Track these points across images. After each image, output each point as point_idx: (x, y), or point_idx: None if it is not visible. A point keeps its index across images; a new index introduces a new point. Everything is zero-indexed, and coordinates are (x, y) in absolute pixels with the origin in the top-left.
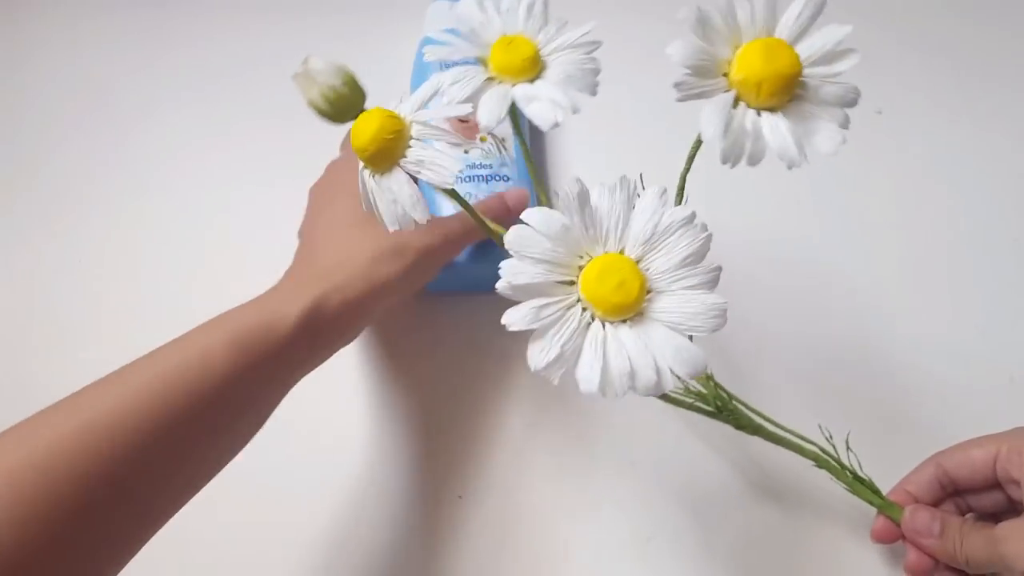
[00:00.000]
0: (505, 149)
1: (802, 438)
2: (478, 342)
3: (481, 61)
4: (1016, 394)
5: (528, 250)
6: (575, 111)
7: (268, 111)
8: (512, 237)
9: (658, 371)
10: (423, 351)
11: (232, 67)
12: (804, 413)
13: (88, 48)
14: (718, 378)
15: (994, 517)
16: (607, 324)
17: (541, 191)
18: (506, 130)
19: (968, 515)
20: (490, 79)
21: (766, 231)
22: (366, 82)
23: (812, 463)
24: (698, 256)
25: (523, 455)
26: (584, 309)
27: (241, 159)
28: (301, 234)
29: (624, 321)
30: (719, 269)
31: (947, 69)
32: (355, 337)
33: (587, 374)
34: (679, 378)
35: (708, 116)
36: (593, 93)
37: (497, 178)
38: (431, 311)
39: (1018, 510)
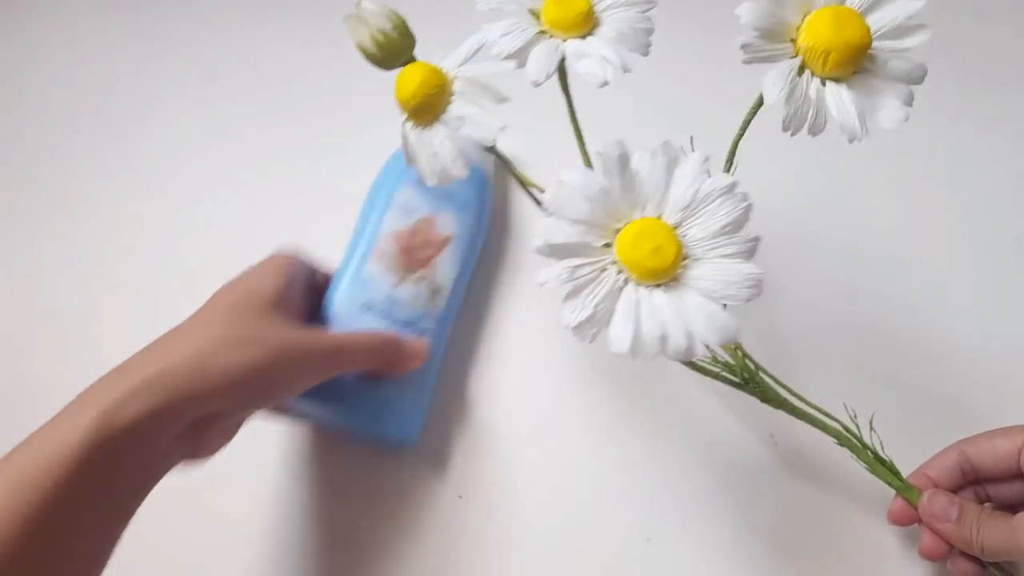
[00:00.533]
0: (435, 300)
1: (827, 415)
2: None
3: (533, 14)
4: (1016, 393)
5: (566, 210)
6: (626, 71)
7: (268, 111)
8: (551, 197)
9: (689, 337)
10: None
11: (232, 67)
12: (831, 392)
13: (88, 48)
14: (747, 350)
15: (1012, 508)
16: (641, 288)
17: (583, 151)
18: (445, 285)
19: (987, 504)
20: (541, 33)
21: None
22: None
23: (834, 441)
24: (737, 225)
25: (523, 455)
26: (619, 272)
27: (241, 159)
28: None
29: (658, 286)
30: (757, 239)
31: (947, 69)
32: (224, 440)
33: (619, 335)
34: (708, 347)
35: (773, 80)
36: (645, 53)
37: (414, 327)
38: None
39: None
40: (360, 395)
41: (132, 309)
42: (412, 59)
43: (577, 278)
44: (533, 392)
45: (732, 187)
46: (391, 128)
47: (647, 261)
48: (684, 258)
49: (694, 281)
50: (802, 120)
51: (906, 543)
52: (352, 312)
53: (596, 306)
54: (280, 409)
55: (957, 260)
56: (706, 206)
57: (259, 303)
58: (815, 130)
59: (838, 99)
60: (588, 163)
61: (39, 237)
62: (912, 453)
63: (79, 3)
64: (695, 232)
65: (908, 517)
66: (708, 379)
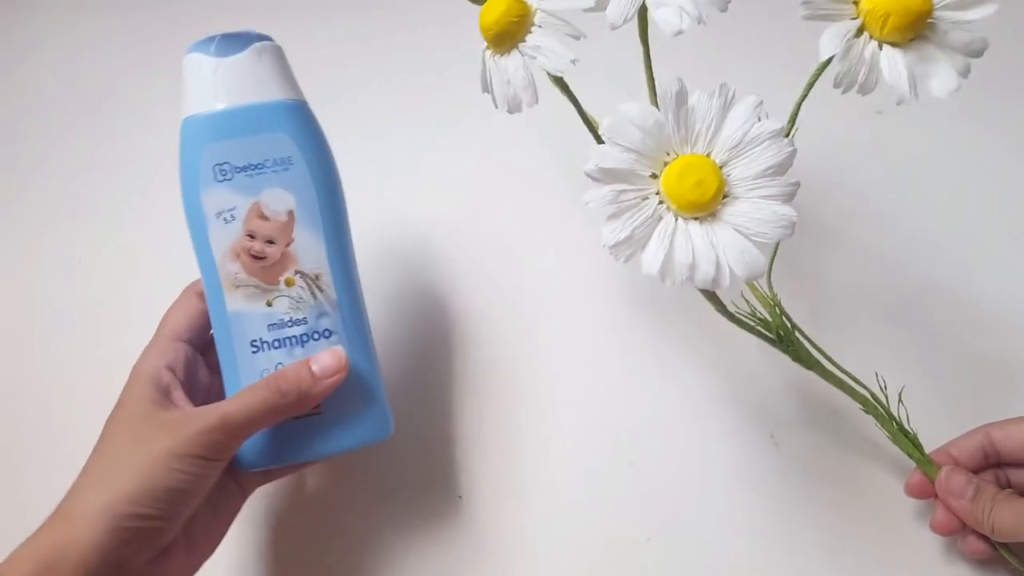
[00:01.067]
0: (321, 291)
1: (857, 381)
2: None
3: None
4: (1016, 393)
5: (620, 137)
6: (701, 22)
7: None
8: (608, 123)
9: (718, 267)
10: None
11: None
12: (865, 361)
13: (88, 48)
14: (788, 309)
15: None
16: (680, 219)
17: (653, 98)
18: (321, 265)
19: (1007, 489)
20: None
21: None
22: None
23: (861, 407)
24: (780, 168)
25: (523, 455)
26: (660, 202)
27: None
28: None
29: (696, 219)
30: (797, 184)
31: None
32: (218, 533)
33: (651, 259)
34: (748, 302)
35: (829, 37)
36: (723, 9)
37: (316, 336)
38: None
39: None
40: (313, 423)
41: (132, 309)
42: None
43: (621, 201)
44: (533, 392)
45: (780, 132)
46: None
47: (689, 194)
48: (725, 196)
49: (730, 217)
50: (853, 79)
51: (919, 515)
52: (247, 361)
53: (634, 229)
54: (257, 479)
55: (959, 259)
56: (754, 147)
57: (143, 413)
58: (865, 89)
59: (892, 61)
60: (652, 98)
61: (39, 237)
62: (936, 433)
63: (79, 3)
64: (739, 172)
65: (925, 491)
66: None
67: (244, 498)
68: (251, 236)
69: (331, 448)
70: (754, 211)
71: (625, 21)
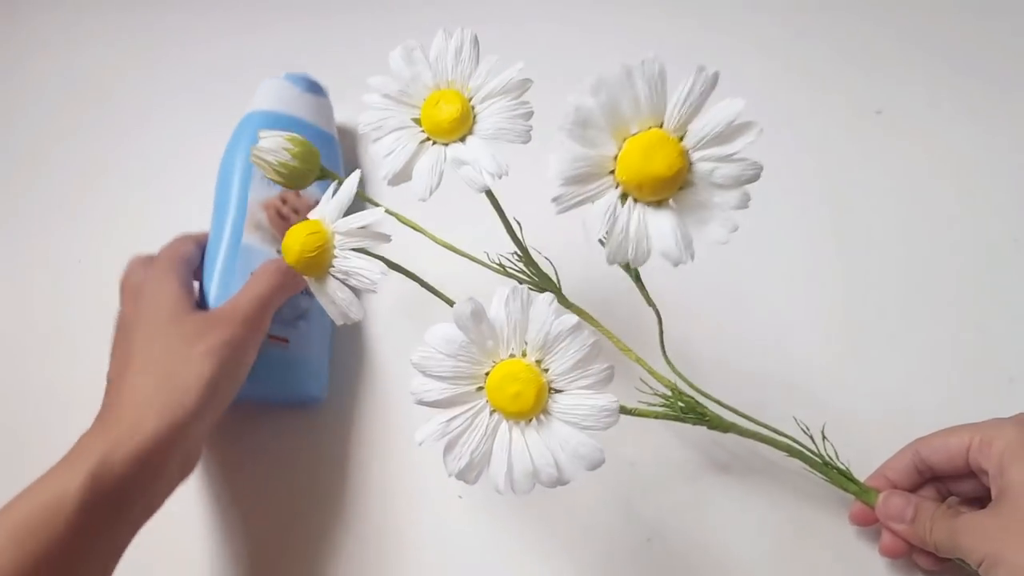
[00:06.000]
0: None
1: (780, 433)
2: None
3: (416, 122)
4: (1016, 394)
5: (433, 370)
6: (502, 176)
7: None
8: (418, 358)
9: (559, 467)
10: None
11: (232, 67)
12: (782, 408)
13: (88, 48)
14: (698, 375)
15: (978, 501)
16: (514, 426)
17: (512, 236)
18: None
19: (950, 498)
20: (424, 141)
21: (767, 226)
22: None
23: (786, 454)
24: (588, 360)
25: None
26: (492, 412)
27: None
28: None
29: (529, 422)
30: (611, 368)
31: (947, 69)
32: (188, 469)
33: (497, 475)
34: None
35: (593, 220)
36: (525, 141)
37: (304, 292)
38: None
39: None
40: (262, 365)
41: None
42: (322, 175)
43: (451, 431)
44: None
45: (577, 327)
46: None
47: (510, 406)
48: (551, 391)
49: (560, 413)
50: (625, 254)
51: (873, 541)
52: (237, 284)
53: (472, 453)
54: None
55: (957, 260)
56: (559, 344)
57: (181, 316)
58: (638, 262)
59: (659, 228)
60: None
61: (39, 237)
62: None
63: (79, 3)
64: (556, 367)
65: (868, 518)
66: None
67: None
68: (283, 201)
69: (273, 394)
70: (577, 405)
71: (432, 192)
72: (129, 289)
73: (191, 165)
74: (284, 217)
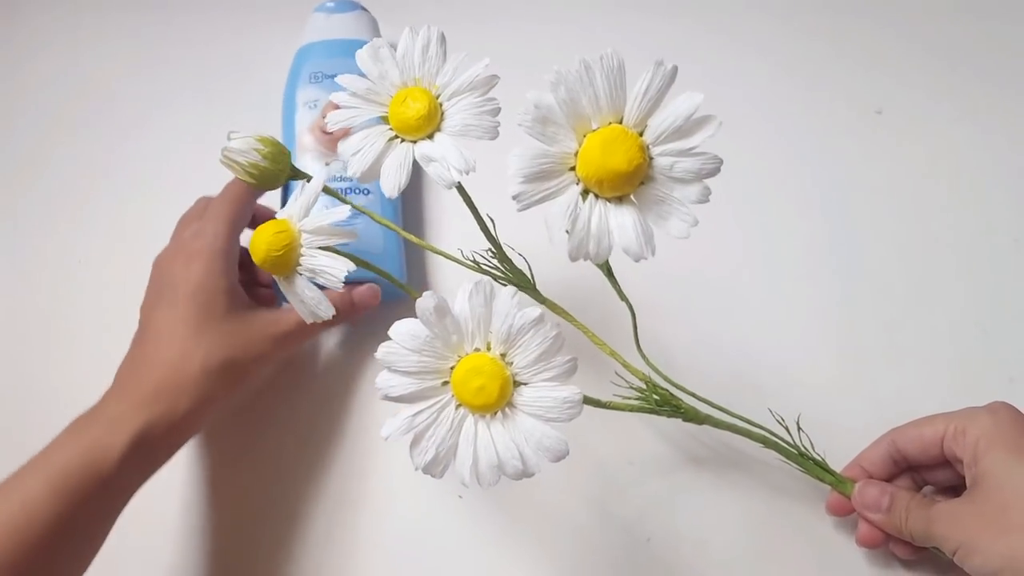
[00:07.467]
0: None
1: (757, 425)
2: None
3: (384, 119)
4: (1016, 394)
5: (398, 365)
6: (469, 172)
7: (268, 110)
8: (382, 353)
9: (523, 459)
10: None
11: (232, 67)
12: (759, 399)
13: (88, 48)
14: (674, 369)
15: (953, 490)
16: (479, 419)
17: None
18: None
19: (926, 487)
20: (392, 139)
21: (767, 226)
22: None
23: (761, 445)
24: (550, 352)
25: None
26: (458, 406)
27: None
28: (139, 321)
29: (495, 415)
30: (574, 360)
31: (947, 69)
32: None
33: (463, 468)
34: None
35: (552, 219)
36: (493, 137)
37: (356, 192)
38: None
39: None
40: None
41: (132, 309)
42: (294, 175)
43: (416, 426)
44: None
45: (540, 319)
46: None
47: (474, 399)
48: (516, 384)
49: (524, 406)
50: (585, 250)
51: (850, 531)
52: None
53: (438, 447)
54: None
55: (957, 260)
56: (522, 337)
57: (214, 297)
58: (600, 258)
59: (620, 224)
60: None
61: (39, 237)
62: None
63: (79, 3)
64: (519, 360)
65: (844, 508)
66: None
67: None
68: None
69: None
70: (541, 397)
71: (400, 190)
72: (186, 221)
73: (191, 165)
74: (327, 133)
